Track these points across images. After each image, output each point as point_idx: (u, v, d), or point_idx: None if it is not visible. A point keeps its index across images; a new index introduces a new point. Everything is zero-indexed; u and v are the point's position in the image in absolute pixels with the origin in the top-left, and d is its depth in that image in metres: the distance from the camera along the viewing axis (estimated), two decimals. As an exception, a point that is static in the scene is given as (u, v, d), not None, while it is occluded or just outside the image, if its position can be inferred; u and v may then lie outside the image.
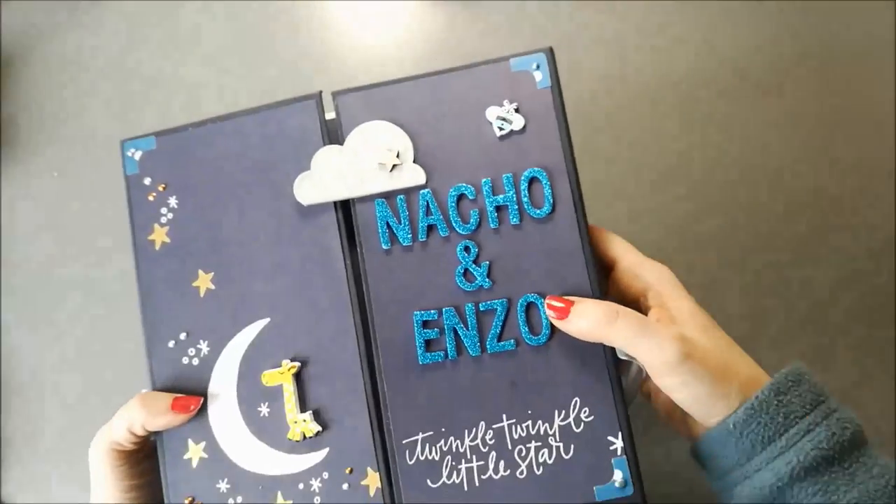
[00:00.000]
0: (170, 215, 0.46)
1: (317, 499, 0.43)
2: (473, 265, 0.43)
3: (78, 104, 0.72)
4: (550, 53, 0.44)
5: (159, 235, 0.46)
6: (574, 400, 0.42)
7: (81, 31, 0.73)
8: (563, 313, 0.41)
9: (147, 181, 0.46)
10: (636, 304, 0.44)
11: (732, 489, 0.41)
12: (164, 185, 0.46)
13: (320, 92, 0.46)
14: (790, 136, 0.67)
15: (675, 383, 0.39)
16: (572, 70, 0.69)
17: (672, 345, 0.38)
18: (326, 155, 0.44)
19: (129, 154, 0.47)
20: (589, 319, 0.40)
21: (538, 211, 0.43)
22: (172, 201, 0.46)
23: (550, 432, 0.42)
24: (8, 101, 0.72)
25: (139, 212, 0.46)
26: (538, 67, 0.44)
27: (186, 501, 0.44)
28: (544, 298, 0.42)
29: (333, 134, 0.45)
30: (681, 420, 0.45)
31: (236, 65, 0.71)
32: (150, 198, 0.46)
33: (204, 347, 0.45)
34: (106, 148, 0.71)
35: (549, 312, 0.42)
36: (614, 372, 0.42)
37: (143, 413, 0.42)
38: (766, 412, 0.39)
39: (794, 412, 0.39)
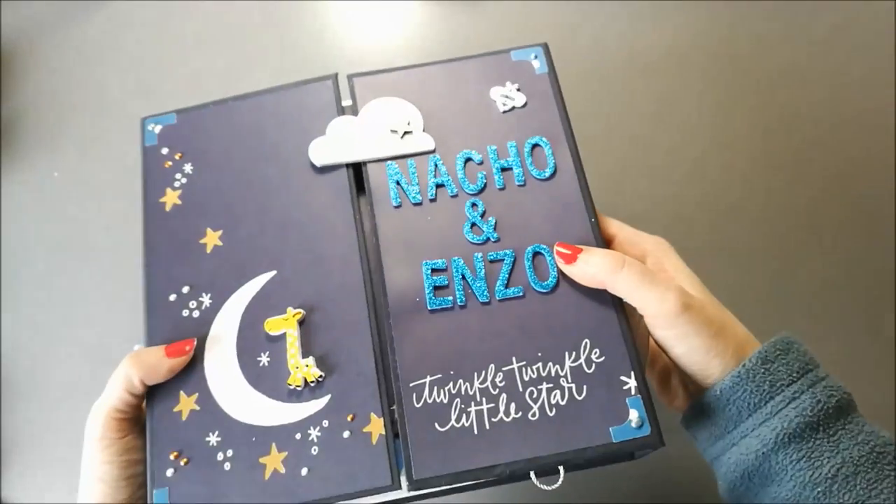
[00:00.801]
0: (183, 180, 0.47)
1: (314, 449, 0.40)
2: (481, 220, 0.44)
3: (78, 103, 0.72)
4: (546, 48, 0.49)
5: (171, 198, 0.47)
6: (584, 341, 0.41)
7: (82, 30, 0.74)
8: (572, 258, 0.42)
9: (164, 151, 0.48)
10: None
11: (721, 457, 0.41)
12: (180, 154, 0.48)
13: (336, 74, 0.49)
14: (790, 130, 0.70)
15: (674, 335, 0.40)
16: (572, 67, 0.71)
17: (673, 295, 0.39)
18: (341, 123, 0.47)
19: (150, 129, 0.49)
20: (596, 265, 0.41)
21: (541, 172, 0.45)
22: (188, 168, 0.47)
23: (562, 374, 0.41)
24: (8, 100, 0.73)
25: (153, 177, 0.47)
26: (536, 58, 0.49)
27: (172, 456, 0.40)
28: (550, 248, 0.43)
29: (348, 112, 0.48)
30: (673, 391, 0.45)
31: (237, 65, 0.72)
32: (166, 165, 0.47)
33: (206, 300, 0.44)
34: (106, 147, 0.71)
35: (558, 258, 0.42)
36: (622, 314, 0.42)
37: (140, 368, 0.41)
38: (753, 380, 0.39)
39: (781, 380, 0.39)
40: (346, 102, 0.49)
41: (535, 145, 0.46)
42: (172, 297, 0.44)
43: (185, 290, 0.44)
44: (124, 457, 0.41)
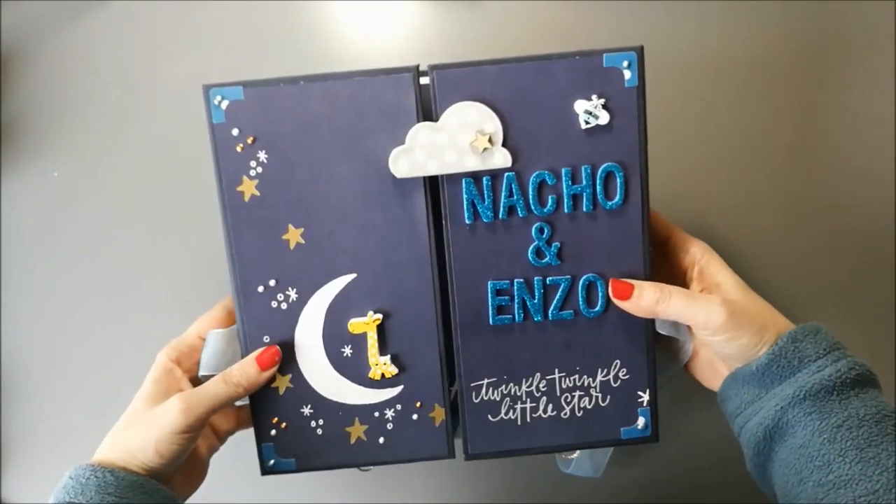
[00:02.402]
0: (259, 169, 0.47)
1: (389, 425, 0.51)
2: (545, 245, 0.48)
3: (78, 104, 0.70)
4: (641, 52, 0.46)
5: (248, 188, 0.47)
6: (615, 361, 0.50)
7: (82, 30, 0.69)
8: (626, 294, 0.48)
9: (235, 132, 0.47)
10: (683, 275, 0.52)
11: (748, 423, 0.47)
12: (252, 139, 0.47)
13: (417, 66, 0.46)
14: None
15: (723, 339, 0.47)
16: None
17: (718, 308, 0.46)
18: (421, 131, 0.46)
19: (216, 102, 0.46)
20: (648, 299, 0.47)
21: (610, 203, 0.48)
22: (262, 156, 0.47)
23: (593, 385, 0.51)
24: (8, 101, 0.70)
25: (227, 162, 0.47)
26: (629, 66, 0.46)
27: (273, 421, 0.50)
28: (603, 279, 0.49)
29: (427, 104, 0.47)
30: (716, 375, 0.51)
31: (236, 64, 0.69)
32: (239, 149, 0.47)
33: (292, 294, 0.49)
34: (106, 147, 0.69)
35: (612, 293, 0.48)
36: (651, 344, 0.50)
37: (248, 388, 0.48)
38: (784, 356, 0.45)
39: (808, 356, 0.45)
40: (425, 81, 0.47)
41: (608, 172, 0.47)
42: (261, 289, 0.49)
43: (272, 283, 0.49)
44: (189, 446, 0.47)
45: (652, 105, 0.49)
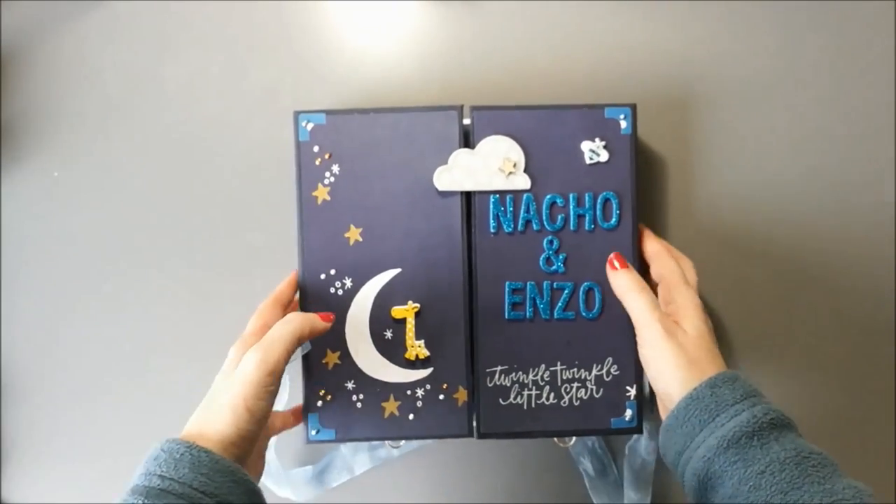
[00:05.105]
0: (331, 179, 0.60)
1: (419, 403, 0.60)
2: (554, 255, 0.60)
3: (78, 104, 0.72)
4: (634, 109, 0.60)
5: (321, 193, 0.60)
6: (608, 359, 0.60)
7: (82, 30, 0.72)
8: (623, 265, 0.58)
9: (315, 149, 0.60)
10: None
11: (685, 471, 0.50)
12: (329, 154, 0.59)
13: (462, 105, 0.60)
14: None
15: (651, 355, 0.54)
16: (568, 68, 0.70)
17: (658, 325, 0.54)
18: (461, 155, 0.59)
19: (303, 125, 0.59)
20: (629, 280, 0.57)
21: (607, 223, 0.60)
22: (335, 168, 0.59)
23: (588, 378, 0.60)
24: (8, 101, 0.72)
25: (307, 172, 0.60)
26: (624, 118, 0.60)
27: (321, 392, 0.60)
28: (599, 286, 0.60)
29: (466, 137, 0.60)
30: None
31: (235, 64, 0.71)
32: (317, 162, 0.60)
33: (348, 283, 0.60)
34: (106, 147, 0.72)
35: (610, 264, 0.58)
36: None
37: (310, 320, 0.54)
38: (702, 401, 0.49)
39: (726, 401, 0.49)
40: (467, 122, 0.60)
41: (606, 199, 0.60)
42: (322, 277, 0.60)
43: (332, 272, 0.60)
44: (271, 400, 0.51)
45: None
